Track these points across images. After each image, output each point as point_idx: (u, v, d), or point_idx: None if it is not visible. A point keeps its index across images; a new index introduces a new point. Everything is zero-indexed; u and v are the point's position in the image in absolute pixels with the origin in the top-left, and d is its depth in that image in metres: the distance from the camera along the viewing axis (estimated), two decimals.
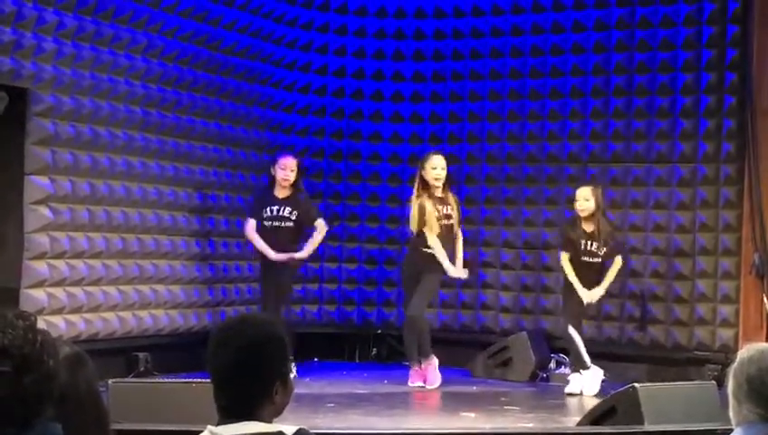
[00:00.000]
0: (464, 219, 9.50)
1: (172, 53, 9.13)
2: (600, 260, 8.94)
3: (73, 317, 8.16)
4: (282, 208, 9.11)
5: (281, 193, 9.14)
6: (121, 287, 8.68)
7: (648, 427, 6.23)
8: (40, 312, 7.67)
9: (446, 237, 8.94)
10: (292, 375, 2.88)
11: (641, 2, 9.93)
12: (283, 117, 10.74)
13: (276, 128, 10.65)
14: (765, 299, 9.20)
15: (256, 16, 10.06)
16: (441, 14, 10.90)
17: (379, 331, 10.89)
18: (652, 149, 9.90)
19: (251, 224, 9.15)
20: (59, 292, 8.04)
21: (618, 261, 9.04)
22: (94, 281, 8.38)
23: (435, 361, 8.98)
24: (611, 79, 10.09)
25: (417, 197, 8.94)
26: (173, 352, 9.05)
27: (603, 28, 10.12)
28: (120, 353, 8.64)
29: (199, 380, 5.87)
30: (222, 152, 9.88)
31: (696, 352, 9.50)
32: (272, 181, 9.20)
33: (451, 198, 9.06)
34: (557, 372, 9.59)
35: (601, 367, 8.92)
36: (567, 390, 8.85)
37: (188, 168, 9.46)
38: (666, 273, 9.72)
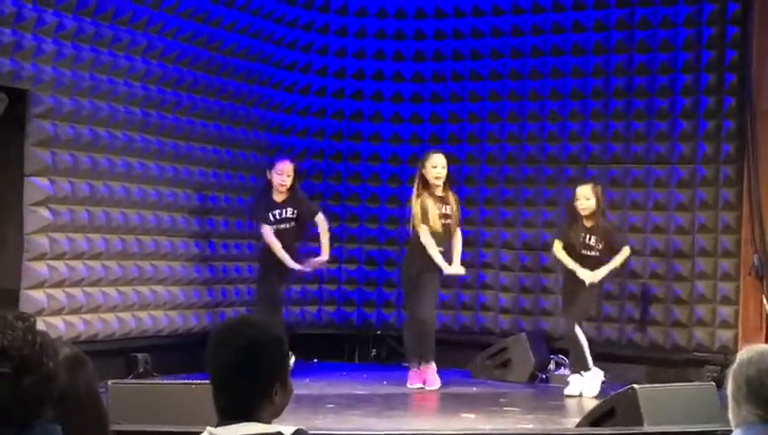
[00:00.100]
0: (463, 220, 9.50)
1: (172, 54, 9.13)
2: (597, 254, 8.94)
3: (73, 318, 8.16)
4: (284, 211, 9.15)
5: (279, 197, 9.16)
6: (121, 288, 8.68)
7: (647, 428, 6.23)
8: (39, 313, 7.67)
9: (443, 237, 8.93)
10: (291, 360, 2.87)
11: (641, 3, 9.94)
12: (283, 118, 10.74)
13: (276, 129, 10.65)
14: (765, 300, 9.21)
15: (256, 17, 10.06)
16: (441, 14, 10.91)
17: (379, 332, 10.90)
18: (651, 151, 9.90)
19: (268, 230, 9.08)
20: (58, 293, 8.04)
21: (626, 250, 9.03)
22: (94, 282, 8.38)
23: (434, 365, 9.01)
24: (611, 80, 10.09)
25: (418, 195, 8.94)
26: (172, 353, 9.05)
27: (603, 29, 10.13)
28: (120, 354, 8.64)
29: (199, 381, 5.88)
30: (221, 153, 9.88)
31: (695, 354, 9.50)
32: (269, 185, 9.20)
33: (451, 197, 9.06)
34: (556, 373, 9.59)
35: (601, 368, 8.92)
36: (566, 391, 8.85)
37: (188, 169, 9.47)
38: (665, 274, 9.72)
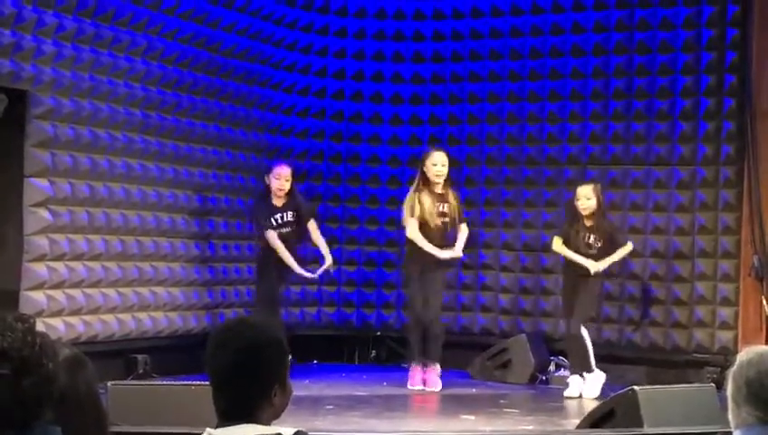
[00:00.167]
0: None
1: (172, 55, 9.13)
2: (596, 253, 8.94)
3: (72, 319, 8.16)
4: (284, 214, 9.17)
5: (278, 202, 9.17)
6: (120, 289, 8.68)
7: (647, 430, 6.22)
8: (39, 314, 7.67)
9: (438, 234, 8.93)
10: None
11: (640, 4, 9.94)
12: (283, 119, 10.74)
13: (276, 130, 10.65)
14: (764, 301, 9.21)
15: (256, 18, 10.06)
16: (440, 15, 10.91)
17: (379, 333, 10.90)
18: (651, 152, 9.90)
19: (273, 236, 9.07)
20: (58, 294, 8.04)
21: (628, 244, 9.03)
22: (93, 283, 8.38)
23: (438, 367, 9.01)
24: (611, 81, 10.09)
25: (415, 191, 8.96)
26: (172, 354, 9.04)
27: (602, 30, 10.13)
28: (119, 355, 8.64)
29: (198, 382, 5.87)
30: (221, 154, 9.88)
31: (695, 355, 9.50)
32: (267, 190, 9.20)
33: (451, 195, 9.05)
34: (556, 374, 9.58)
35: (600, 369, 8.91)
36: (566, 393, 8.85)
37: (188, 170, 9.47)
38: (665, 275, 9.72)
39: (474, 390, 9.26)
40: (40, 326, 2.44)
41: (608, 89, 10.11)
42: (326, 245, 9.39)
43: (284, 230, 9.15)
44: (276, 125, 10.66)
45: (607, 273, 9.17)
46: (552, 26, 10.37)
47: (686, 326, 9.58)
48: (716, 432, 6.12)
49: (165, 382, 7.22)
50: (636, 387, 6.43)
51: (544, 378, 9.64)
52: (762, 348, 3.04)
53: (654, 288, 9.77)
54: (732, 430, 3.02)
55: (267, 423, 2.74)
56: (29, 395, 2.32)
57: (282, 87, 10.67)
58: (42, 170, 7.91)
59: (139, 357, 8.72)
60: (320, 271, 9.30)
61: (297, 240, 9.31)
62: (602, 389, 8.75)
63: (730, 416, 3.03)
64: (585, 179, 9.79)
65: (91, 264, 8.36)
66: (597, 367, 8.89)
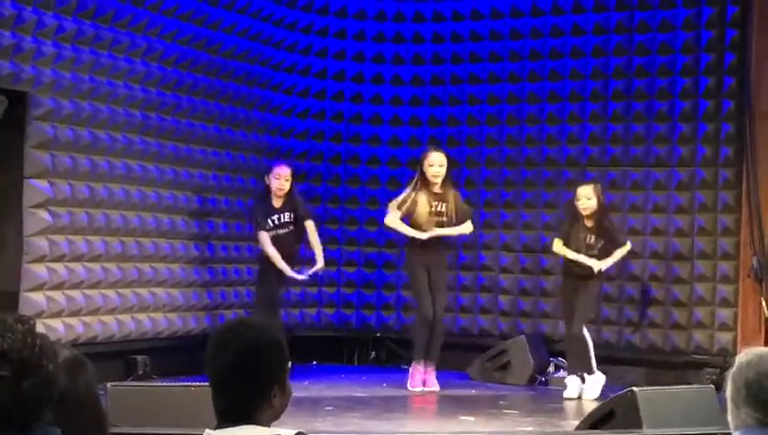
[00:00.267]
0: (473, 215, 9.48)
1: (171, 56, 9.13)
2: (597, 253, 8.93)
3: (72, 320, 8.16)
4: (282, 215, 9.17)
5: (277, 202, 9.18)
6: (120, 290, 8.68)
7: (646, 431, 6.23)
8: (39, 315, 7.67)
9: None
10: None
11: (640, 6, 9.95)
12: (283, 120, 10.74)
13: (275, 131, 10.66)
14: (764, 303, 9.21)
15: (255, 20, 10.06)
16: (440, 17, 10.91)
17: (378, 334, 10.90)
18: (651, 153, 9.91)
19: (265, 237, 9.10)
20: (58, 295, 8.05)
21: (627, 244, 9.03)
22: (93, 284, 8.38)
23: (434, 368, 9.05)
24: (610, 83, 10.10)
25: (413, 190, 8.99)
26: (172, 355, 9.05)
27: (602, 32, 10.13)
28: (119, 357, 8.64)
29: (198, 383, 5.87)
30: (221, 156, 9.89)
31: (694, 356, 9.50)
32: (267, 190, 9.21)
33: (450, 195, 9.05)
34: (556, 375, 9.58)
35: (600, 370, 8.92)
36: (566, 394, 8.85)
37: (188, 171, 9.47)
38: (664, 276, 9.73)
39: (473, 391, 9.26)
40: (39, 327, 2.44)
41: (607, 90, 10.12)
42: (321, 247, 9.37)
43: (282, 231, 9.16)
44: (276, 126, 10.66)
45: (606, 274, 9.16)
46: (551, 28, 10.38)
47: (686, 328, 9.59)
48: (716, 434, 6.12)
49: (164, 384, 7.22)
50: (635, 388, 6.43)
51: (544, 379, 9.64)
52: (761, 349, 3.04)
53: (653, 289, 9.77)
54: (731, 431, 3.03)
55: (267, 424, 2.75)
56: (29, 397, 2.32)
57: (281, 88, 10.67)
58: (41, 172, 7.91)
59: (139, 358, 8.73)
60: (309, 272, 9.27)
61: (296, 241, 9.32)
62: (602, 390, 8.75)
63: (729, 417, 3.03)
64: (585, 180, 9.79)
65: (90, 265, 8.37)
66: (597, 369, 8.88)
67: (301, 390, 8.32)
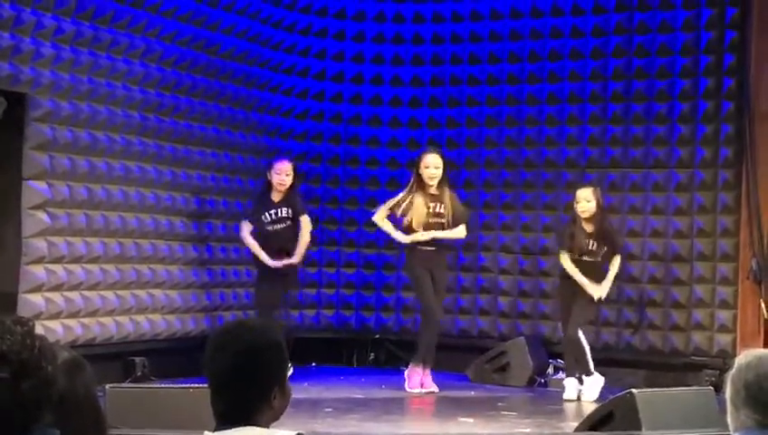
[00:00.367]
0: (469, 218, 9.46)
1: (170, 57, 9.13)
2: (599, 260, 8.94)
3: (71, 322, 8.16)
4: (279, 210, 9.18)
5: (277, 197, 9.19)
6: (119, 292, 8.67)
7: (645, 433, 6.22)
8: (37, 316, 7.66)
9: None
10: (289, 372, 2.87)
11: (639, 7, 9.95)
12: (281, 122, 10.74)
13: (274, 133, 10.65)
14: (763, 304, 9.21)
15: (254, 21, 10.06)
16: (439, 18, 10.91)
17: (377, 336, 10.89)
18: (650, 155, 9.91)
19: (246, 227, 9.24)
20: (56, 296, 8.04)
21: (616, 260, 9.01)
22: (92, 286, 8.38)
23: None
24: (609, 84, 10.10)
25: (409, 192, 9.00)
26: (170, 356, 9.04)
27: (601, 33, 10.13)
28: (118, 358, 8.64)
29: (197, 385, 5.86)
30: (220, 157, 9.88)
31: (693, 358, 9.50)
32: (268, 185, 9.24)
33: (447, 196, 9.05)
34: (555, 377, 9.57)
35: (599, 372, 8.91)
36: (565, 396, 8.85)
37: (186, 172, 9.46)
38: (663, 278, 9.72)
39: (472, 392, 9.26)
40: (38, 329, 2.44)
41: (606, 92, 10.12)
42: (305, 245, 9.25)
43: (279, 226, 9.16)
44: (275, 128, 10.66)
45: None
46: (551, 29, 10.38)
47: (685, 329, 9.59)
48: None
49: (163, 385, 7.22)
50: (634, 390, 6.43)
51: (543, 381, 9.63)
52: (760, 351, 3.04)
53: (652, 291, 9.77)
54: (730, 433, 3.02)
55: (266, 426, 2.74)
56: (28, 398, 2.32)
57: (280, 90, 10.67)
58: (40, 173, 7.91)
59: (137, 360, 8.72)
60: (283, 262, 9.18)
61: (293, 237, 9.28)
62: (601, 392, 8.75)
63: (729, 419, 3.03)
64: (584, 182, 9.78)
65: (89, 266, 8.36)
66: (595, 370, 8.88)
67: (300, 391, 8.32)
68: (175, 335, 9.27)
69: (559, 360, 9.61)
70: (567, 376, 9.00)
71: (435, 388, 9.01)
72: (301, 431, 2.79)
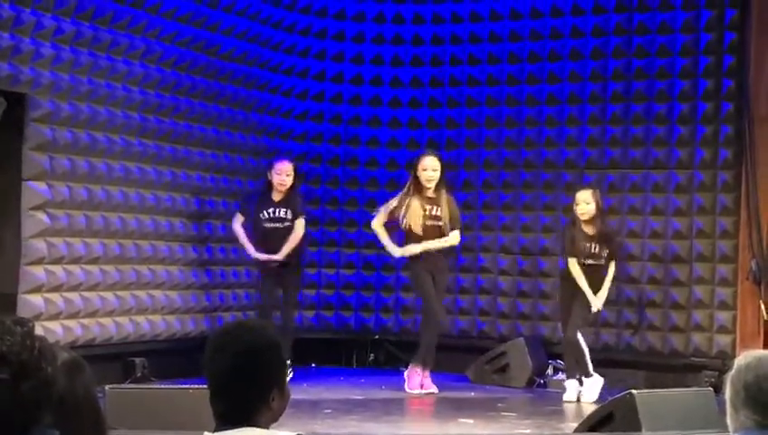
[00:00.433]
0: (462, 225, 9.46)
1: (170, 58, 9.13)
2: (602, 262, 8.94)
3: (70, 323, 8.16)
4: (277, 210, 9.19)
5: (277, 197, 9.20)
6: (119, 293, 8.67)
7: (645, 433, 6.22)
8: (37, 317, 7.66)
9: (428, 237, 8.96)
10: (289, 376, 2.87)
11: (639, 8, 9.95)
12: (281, 122, 10.74)
13: (274, 133, 10.65)
14: (762, 305, 9.21)
15: (254, 22, 10.06)
16: (439, 19, 10.91)
17: (377, 336, 10.89)
18: (649, 156, 9.91)
19: (237, 219, 9.34)
20: (56, 297, 8.04)
21: (611, 267, 9.02)
22: (91, 286, 8.38)
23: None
24: (609, 85, 10.10)
25: (406, 195, 9.00)
26: (170, 357, 9.04)
27: (601, 34, 10.14)
28: (117, 359, 8.64)
29: (196, 386, 5.87)
30: (219, 158, 9.88)
31: (693, 359, 9.50)
32: (269, 185, 9.24)
33: (444, 199, 9.05)
34: (554, 378, 9.58)
35: (598, 373, 8.92)
36: (565, 397, 8.85)
37: (186, 173, 9.47)
38: (663, 279, 9.73)
39: (472, 393, 9.26)
40: (38, 330, 2.44)
41: (606, 93, 10.12)
42: (291, 246, 9.17)
43: (274, 225, 9.17)
44: (274, 128, 10.66)
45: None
46: (550, 30, 10.38)
47: (684, 330, 9.59)
48: None
49: (163, 386, 7.22)
50: (634, 391, 6.43)
51: (542, 381, 9.63)
52: (759, 352, 3.04)
53: (652, 292, 9.77)
54: (730, 433, 3.02)
55: (266, 427, 2.74)
56: (28, 399, 2.32)
57: (280, 90, 10.67)
58: (40, 173, 7.91)
59: (137, 360, 8.72)
60: (264, 256, 9.18)
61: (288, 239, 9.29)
62: (600, 393, 8.75)
63: (728, 420, 3.03)
64: (583, 183, 9.79)
65: (88, 267, 8.36)
66: (595, 371, 8.88)
67: (299, 392, 8.32)
68: (174, 336, 9.27)
69: (558, 361, 9.61)
70: (568, 377, 9.00)
71: (434, 389, 9.02)
72: (300, 432, 2.78)
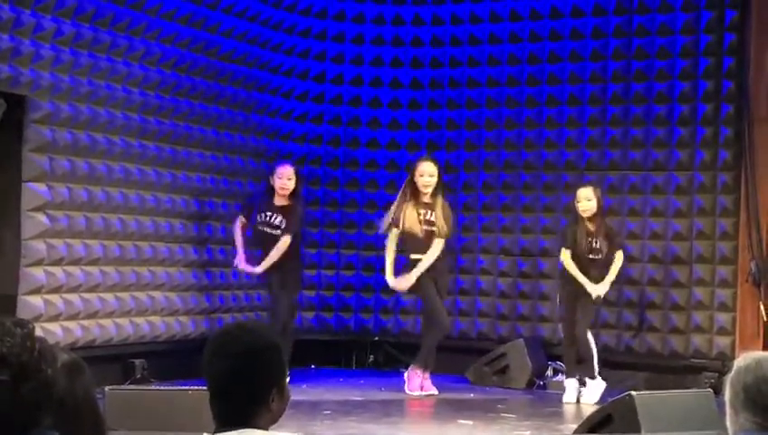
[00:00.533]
0: (461, 226, 9.48)
1: (170, 59, 9.13)
2: (602, 257, 8.95)
3: (70, 324, 8.16)
4: (274, 216, 9.16)
5: (278, 201, 9.19)
6: (118, 294, 8.67)
7: None
8: (37, 318, 7.66)
9: (426, 242, 8.96)
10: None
11: (639, 10, 9.95)
12: (281, 124, 10.74)
13: (274, 135, 10.65)
14: (762, 307, 9.21)
15: (254, 23, 10.06)
16: (439, 21, 10.91)
17: (377, 338, 10.89)
18: (649, 157, 9.91)
19: (239, 221, 9.34)
20: (56, 298, 8.04)
21: (619, 256, 9.02)
22: (91, 288, 8.38)
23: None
24: (608, 87, 10.10)
25: (402, 199, 9.04)
26: (170, 359, 9.04)
27: (601, 36, 10.14)
28: (117, 360, 8.64)
29: (196, 387, 5.87)
30: (219, 159, 9.88)
31: (692, 360, 9.50)
32: (270, 189, 9.24)
33: (439, 204, 9.05)
34: (554, 379, 9.58)
35: (599, 375, 8.92)
36: (564, 398, 8.85)
37: (186, 175, 9.47)
38: (662, 280, 9.73)
39: (471, 395, 9.26)
40: (37, 331, 2.44)
41: (605, 94, 10.12)
42: (269, 262, 9.10)
43: (267, 230, 9.16)
44: (274, 130, 10.66)
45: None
46: (550, 32, 10.38)
47: (684, 332, 9.59)
48: None
49: (162, 387, 7.22)
50: (633, 392, 6.42)
51: (542, 383, 9.64)
52: (759, 354, 3.04)
53: (652, 293, 9.77)
54: None
55: (265, 428, 2.74)
56: (28, 401, 2.32)
57: (280, 92, 10.67)
58: (40, 175, 7.91)
59: (137, 362, 8.72)
60: (245, 268, 9.23)
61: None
62: (601, 395, 8.75)
63: (728, 422, 3.03)
64: (583, 183, 9.78)
65: (88, 268, 8.36)
66: (598, 374, 8.89)
67: (299, 393, 8.33)
68: (174, 337, 9.27)
69: (558, 362, 9.61)
70: (567, 377, 9.00)
71: (434, 390, 9.03)
72: (300, 433, 2.78)
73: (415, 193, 9.00)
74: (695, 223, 9.65)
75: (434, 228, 8.98)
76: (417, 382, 9.01)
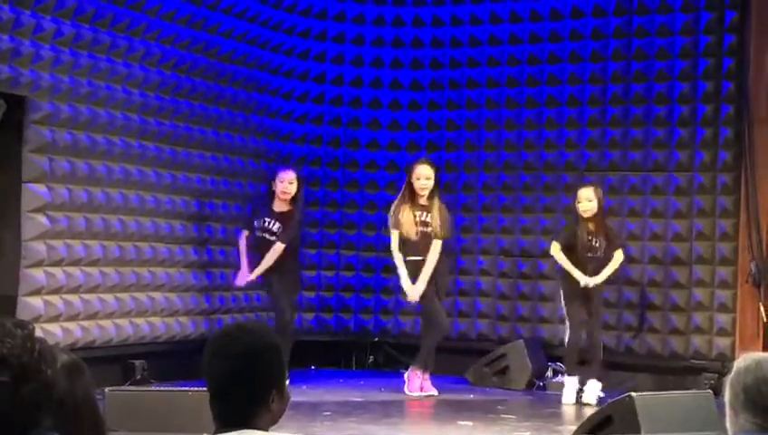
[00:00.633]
0: (460, 227, 9.47)
1: (170, 60, 9.13)
2: (600, 256, 8.96)
3: (70, 325, 8.16)
4: (272, 222, 9.15)
5: (278, 206, 9.19)
6: (118, 295, 8.68)
7: None
8: (37, 319, 7.66)
9: (423, 244, 8.97)
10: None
11: (638, 11, 9.95)
12: (281, 125, 10.74)
13: (274, 136, 10.65)
14: (762, 308, 9.21)
15: (253, 24, 10.06)
16: (439, 22, 10.91)
17: (376, 339, 10.89)
18: (649, 158, 9.91)
19: (243, 235, 9.32)
20: (56, 299, 8.04)
21: (618, 255, 9.02)
22: (91, 288, 8.38)
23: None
24: (608, 87, 10.11)
25: (401, 201, 9.04)
26: (170, 359, 9.04)
27: (600, 37, 10.14)
28: (117, 361, 8.64)
29: (196, 388, 5.87)
30: (219, 160, 9.88)
31: (692, 361, 9.50)
32: (271, 194, 9.23)
33: (436, 206, 9.05)
34: (554, 380, 9.58)
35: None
36: (564, 400, 8.86)
37: (186, 176, 9.47)
38: (662, 281, 9.73)
39: (471, 396, 9.26)
40: (38, 332, 2.44)
41: (605, 95, 10.12)
42: (264, 267, 9.10)
43: (264, 235, 9.15)
44: (274, 131, 10.66)
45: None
46: (550, 33, 10.38)
47: (684, 333, 9.59)
48: None
49: (162, 388, 7.22)
50: (633, 393, 6.42)
51: (542, 384, 9.64)
52: (759, 355, 3.04)
53: (652, 294, 9.77)
54: None
55: (265, 429, 2.74)
56: (28, 402, 2.32)
57: (280, 93, 10.67)
58: (40, 176, 7.91)
59: (137, 363, 8.72)
60: (242, 280, 9.24)
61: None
62: (600, 396, 8.76)
63: (728, 423, 3.02)
64: (583, 184, 9.78)
65: (88, 269, 8.36)
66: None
67: (299, 394, 8.33)
68: (174, 338, 9.27)
69: (558, 363, 9.61)
70: (568, 375, 9.00)
71: (434, 391, 9.03)
72: (299, 434, 2.78)
73: (412, 195, 9.02)
74: (695, 224, 9.65)
75: (429, 229, 8.99)
76: (417, 383, 9.01)
